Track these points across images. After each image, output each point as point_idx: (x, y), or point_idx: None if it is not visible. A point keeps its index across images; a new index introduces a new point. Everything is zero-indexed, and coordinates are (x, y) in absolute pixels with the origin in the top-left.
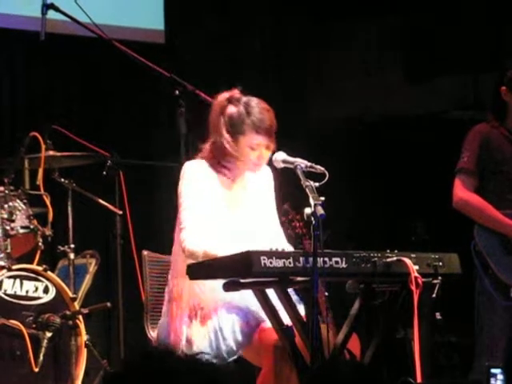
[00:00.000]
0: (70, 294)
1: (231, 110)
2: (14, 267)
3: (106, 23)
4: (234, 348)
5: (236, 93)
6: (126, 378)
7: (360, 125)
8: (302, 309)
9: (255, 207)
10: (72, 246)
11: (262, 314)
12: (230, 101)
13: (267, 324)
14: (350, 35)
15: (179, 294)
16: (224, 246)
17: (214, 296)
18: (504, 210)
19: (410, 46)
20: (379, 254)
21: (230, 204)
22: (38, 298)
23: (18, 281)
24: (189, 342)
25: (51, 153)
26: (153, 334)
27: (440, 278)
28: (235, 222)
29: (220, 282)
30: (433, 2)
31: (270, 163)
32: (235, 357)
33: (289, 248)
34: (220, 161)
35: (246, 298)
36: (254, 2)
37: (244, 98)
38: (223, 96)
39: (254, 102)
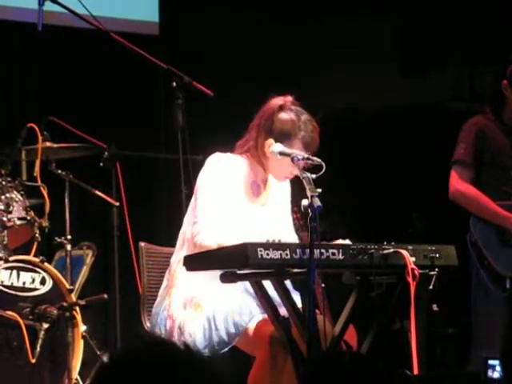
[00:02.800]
0: (67, 286)
1: (284, 116)
2: (11, 258)
3: (100, 15)
4: (226, 339)
5: (289, 101)
6: (124, 366)
7: (356, 117)
8: (297, 299)
9: (273, 207)
10: (69, 237)
11: (257, 306)
12: (282, 108)
13: (263, 315)
14: (345, 27)
15: (177, 281)
16: (238, 239)
17: (209, 286)
18: (500, 201)
19: (405, 39)
20: (376, 246)
21: (248, 198)
22: (35, 289)
23: (14, 272)
24: (181, 328)
25: (48, 144)
26: (149, 325)
27: (437, 269)
28: (253, 216)
29: (217, 273)
30: None
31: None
32: (226, 349)
33: None
34: (257, 159)
35: (242, 288)
36: None
37: (298, 110)
38: (276, 102)
39: (306, 117)
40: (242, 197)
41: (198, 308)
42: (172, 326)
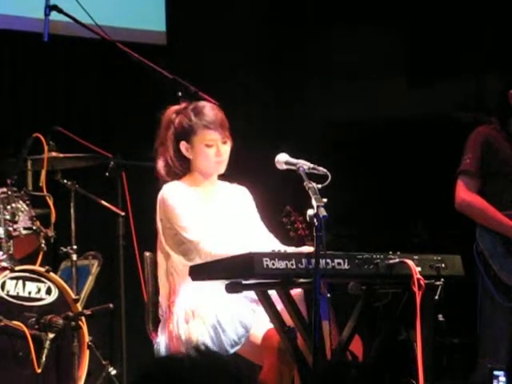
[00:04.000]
0: (73, 296)
1: (180, 118)
2: (17, 268)
3: (107, 25)
4: (236, 338)
5: (182, 105)
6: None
7: (361, 127)
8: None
9: (236, 214)
10: (74, 247)
11: (259, 309)
12: (177, 112)
13: (269, 323)
14: (353, 38)
15: (175, 300)
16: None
17: (210, 299)
18: (506, 212)
19: (411, 49)
20: (382, 256)
21: (212, 215)
22: (41, 299)
23: (20, 282)
24: (188, 341)
25: (54, 154)
26: (155, 335)
27: (442, 279)
28: (223, 224)
29: (218, 288)
30: (435, 6)
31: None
32: (238, 347)
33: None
34: (185, 173)
35: (243, 297)
36: (253, 3)
37: (190, 105)
38: (170, 110)
39: (201, 103)
40: (206, 215)
41: (200, 319)
42: (177, 344)
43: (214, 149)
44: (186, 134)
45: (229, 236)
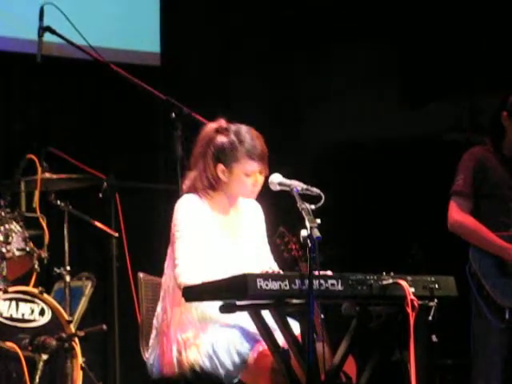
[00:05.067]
0: (66, 317)
1: (221, 139)
2: (10, 289)
3: (101, 46)
4: (232, 369)
5: (222, 122)
6: None
7: (354, 148)
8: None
9: (248, 236)
10: (68, 268)
11: (257, 334)
12: (217, 131)
13: (263, 345)
14: (346, 59)
15: (168, 327)
16: (220, 276)
17: (204, 324)
18: (498, 232)
19: (406, 70)
20: (375, 277)
21: (224, 233)
22: (34, 320)
23: (13, 303)
24: (182, 364)
25: (47, 175)
26: (147, 355)
27: (436, 300)
28: (230, 250)
29: (211, 311)
30: (429, 27)
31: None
32: (236, 380)
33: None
34: (209, 191)
35: (240, 319)
36: (251, 24)
37: (233, 127)
38: (210, 127)
39: (244, 129)
40: (217, 233)
41: (194, 348)
42: (170, 370)
43: (253, 179)
44: (225, 157)
45: (230, 260)
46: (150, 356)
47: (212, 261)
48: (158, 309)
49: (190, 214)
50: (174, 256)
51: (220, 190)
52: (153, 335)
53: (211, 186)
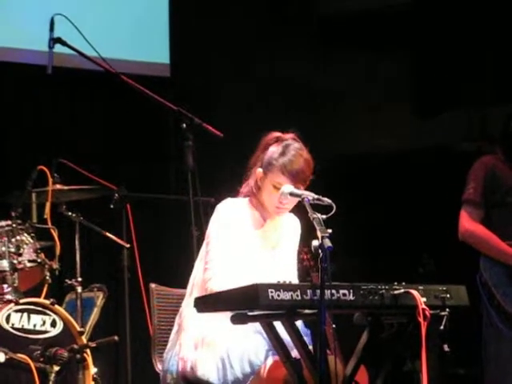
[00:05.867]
0: (78, 328)
1: (272, 148)
2: (22, 301)
3: (111, 57)
4: (241, 378)
5: (286, 135)
6: None
7: (366, 159)
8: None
9: (282, 249)
10: (79, 279)
11: (268, 347)
12: (276, 140)
13: (274, 356)
14: (358, 69)
15: (187, 325)
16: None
17: (221, 325)
18: (509, 241)
19: (418, 81)
20: (387, 287)
21: (259, 243)
22: (46, 331)
23: (25, 314)
24: (193, 368)
25: (58, 186)
26: (160, 367)
27: (448, 309)
28: (263, 260)
29: (228, 314)
30: (442, 38)
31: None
32: None
33: None
34: (256, 197)
35: (254, 329)
36: (258, 36)
37: (287, 141)
38: (273, 134)
39: (294, 146)
40: (252, 242)
41: (210, 347)
42: (184, 366)
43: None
44: (265, 164)
45: (258, 269)
46: (167, 352)
47: (245, 269)
48: (184, 304)
49: (228, 217)
50: (205, 258)
51: (259, 197)
52: (174, 330)
53: (252, 191)
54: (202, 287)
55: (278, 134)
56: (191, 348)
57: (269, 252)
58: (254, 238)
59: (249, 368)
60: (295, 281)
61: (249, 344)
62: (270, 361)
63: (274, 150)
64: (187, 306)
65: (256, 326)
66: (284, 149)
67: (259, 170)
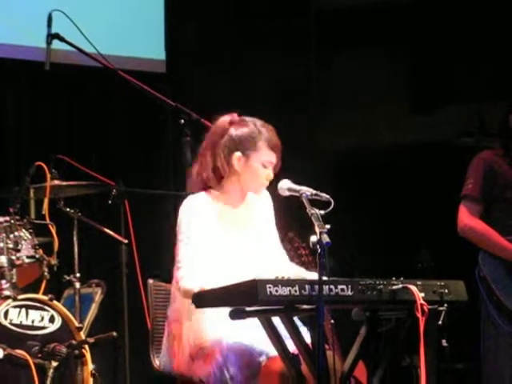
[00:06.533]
0: (76, 324)
1: (239, 129)
2: (20, 297)
3: (107, 53)
4: (239, 377)
5: (235, 116)
6: None
7: (364, 154)
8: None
9: (259, 229)
10: (78, 275)
11: (267, 344)
12: (232, 123)
13: (273, 352)
14: (355, 64)
15: (179, 333)
16: (222, 280)
17: (215, 332)
18: (508, 237)
19: (417, 76)
20: (385, 282)
21: (232, 227)
22: (44, 327)
23: (23, 310)
24: (192, 373)
25: (56, 182)
26: (158, 363)
27: (446, 305)
28: (239, 245)
29: (222, 317)
30: (437, 32)
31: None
32: None
33: (293, 267)
34: (216, 182)
35: (250, 328)
36: (257, 32)
37: (248, 119)
38: (223, 120)
39: (260, 122)
40: (223, 230)
41: (207, 358)
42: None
43: (267, 171)
44: (244, 146)
45: (239, 256)
46: (161, 358)
47: (219, 261)
48: (169, 311)
49: (194, 215)
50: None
51: (229, 182)
52: (165, 335)
53: (219, 176)
54: (176, 288)
55: (226, 117)
56: (187, 359)
57: (244, 234)
58: (225, 224)
59: (248, 371)
60: (283, 257)
61: (244, 346)
62: (267, 356)
63: (245, 131)
64: (174, 313)
65: (251, 323)
66: (254, 126)
67: (238, 154)
